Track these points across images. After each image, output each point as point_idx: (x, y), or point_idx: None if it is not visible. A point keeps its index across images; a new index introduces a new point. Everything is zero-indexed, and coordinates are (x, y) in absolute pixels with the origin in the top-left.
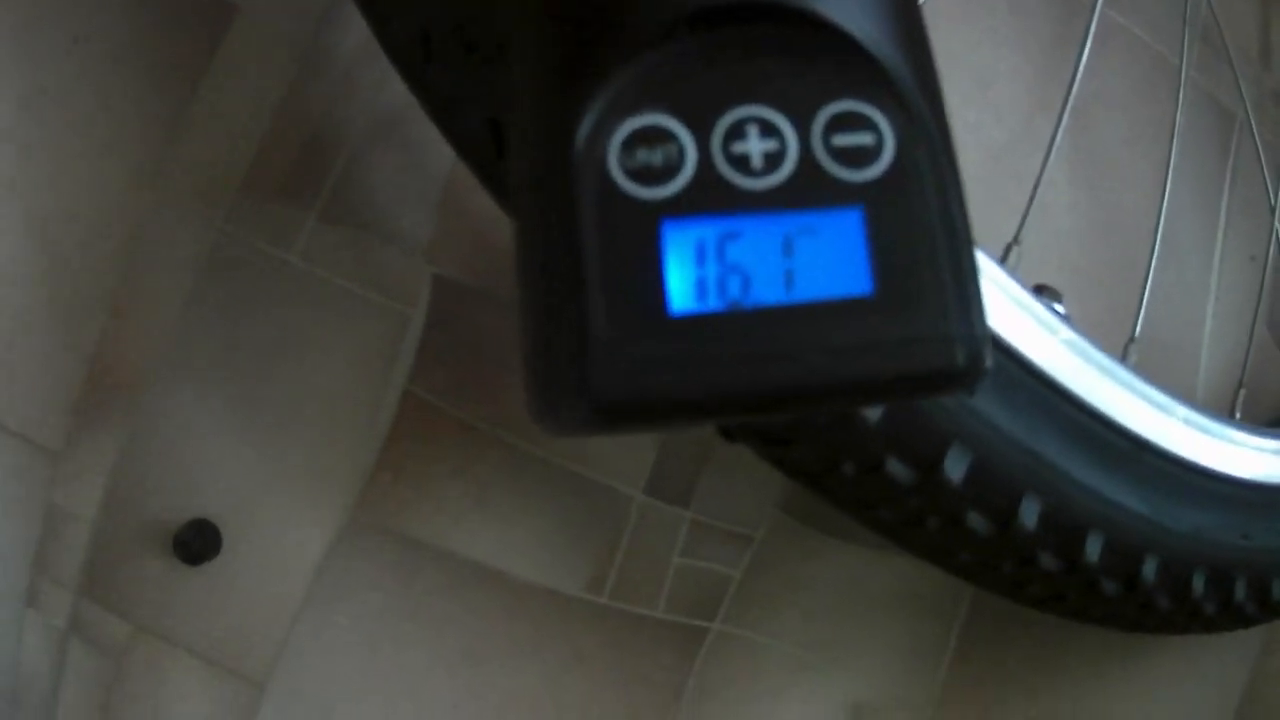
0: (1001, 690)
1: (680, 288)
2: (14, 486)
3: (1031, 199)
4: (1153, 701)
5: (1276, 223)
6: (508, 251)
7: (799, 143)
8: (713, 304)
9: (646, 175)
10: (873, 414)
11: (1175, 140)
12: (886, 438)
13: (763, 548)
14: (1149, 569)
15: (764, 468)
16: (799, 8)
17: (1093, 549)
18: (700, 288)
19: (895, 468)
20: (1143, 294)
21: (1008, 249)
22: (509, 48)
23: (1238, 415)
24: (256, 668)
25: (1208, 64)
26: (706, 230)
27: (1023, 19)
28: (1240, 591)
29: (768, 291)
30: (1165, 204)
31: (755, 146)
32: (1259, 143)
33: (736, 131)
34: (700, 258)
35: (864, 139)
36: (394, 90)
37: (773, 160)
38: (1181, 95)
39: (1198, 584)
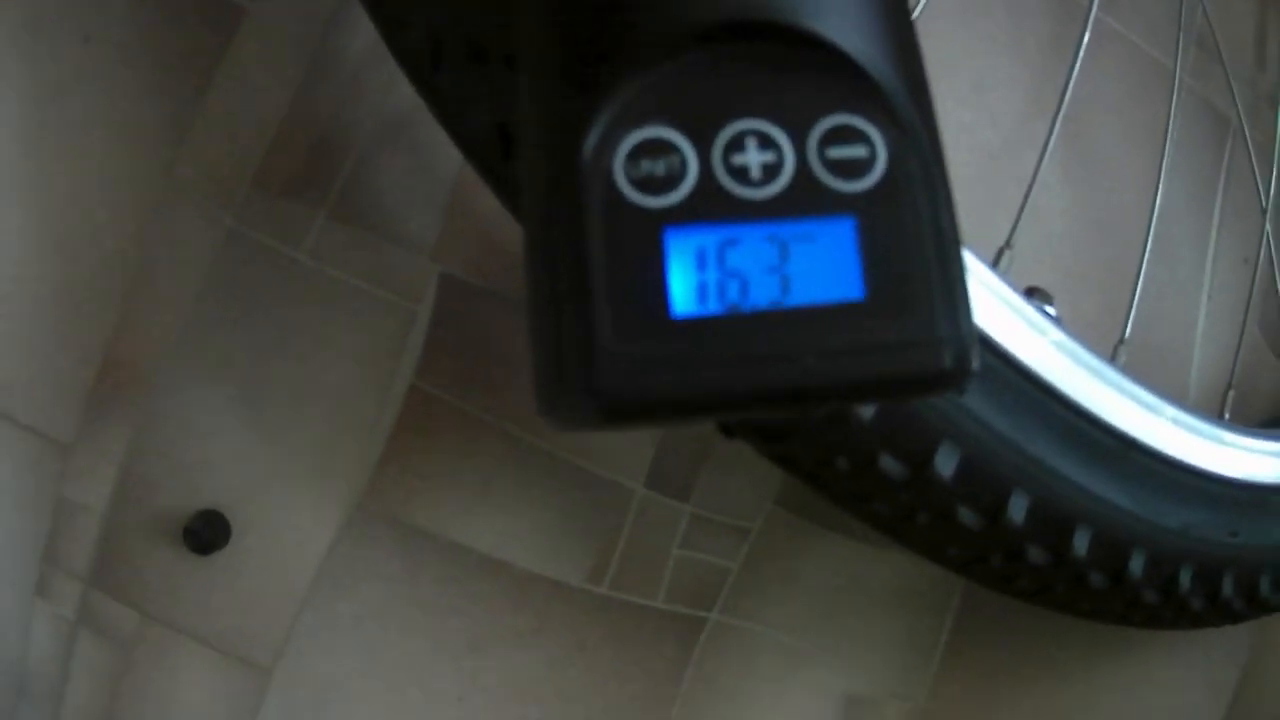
0: (993, 682)
1: (682, 292)
2: (25, 479)
3: (1025, 201)
4: (1141, 694)
5: (1269, 225)
6: (513, 251)
7: (795, 155)
8: (713, 307)
9: (650, 185)
10: (866, 412)
11: (1169, 144)
12: (879, 435)
13: (760, 541)
14: (1136, 564)
15: (762, 463)
16: (797, 26)
17: (1080, 543)
18: (701, 292)
19: (888, 463)
20: (1133, 296)
21: (1000, 252)
22: (518, 58)
23: (1227, 416)
24: (264, 656)
25: (1202, 68)
26: (707, 237)
27: (1019, 23)
28: (1228, 588)
29: (765, 296)
30: (1158, 206)
31: (754, 158)
32: (1251, 146)
33: (736, 144)
34: (701, 263)
35: (857, 151)
36: (401, 93)
37: (770, 171)
38: (1176, 99)
39: (1185, 579)
